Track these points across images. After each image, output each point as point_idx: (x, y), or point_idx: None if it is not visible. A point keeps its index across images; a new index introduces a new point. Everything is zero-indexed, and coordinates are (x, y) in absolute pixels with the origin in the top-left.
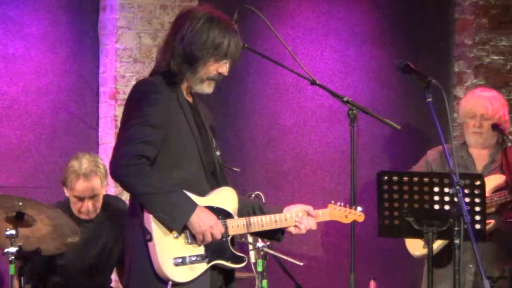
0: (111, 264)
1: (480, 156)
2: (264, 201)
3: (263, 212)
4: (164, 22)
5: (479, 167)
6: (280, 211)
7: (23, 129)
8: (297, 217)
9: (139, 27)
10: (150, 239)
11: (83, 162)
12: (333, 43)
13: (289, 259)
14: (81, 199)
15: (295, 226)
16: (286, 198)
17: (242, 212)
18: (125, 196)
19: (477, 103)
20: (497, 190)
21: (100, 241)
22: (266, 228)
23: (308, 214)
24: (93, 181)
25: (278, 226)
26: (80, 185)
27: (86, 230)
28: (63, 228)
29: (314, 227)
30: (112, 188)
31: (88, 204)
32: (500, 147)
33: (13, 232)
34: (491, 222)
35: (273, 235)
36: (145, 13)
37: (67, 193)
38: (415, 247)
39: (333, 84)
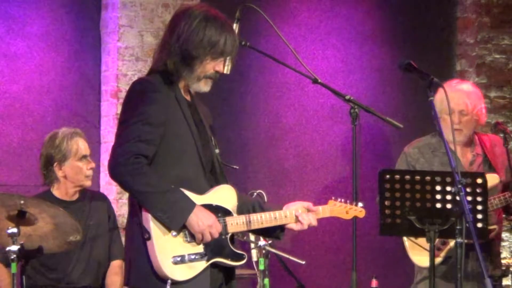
0: (104, 239)
1: (463, 153)
2: (266, 199)
3: (263, 210)
4: (166, 21)
5: (465, 163)
6: (280, 209)
7: (25, 128)
8: (297, 213)
9: (141, 26)
10: (149, 238)
11: (64, 130)
12: (335, 42)
13: (291, 258)
14: (85, 157)
15: (297, 222)
16: (288, 196)
17: (242, 210)
18: (126, 196)
19: (455, 98)
20: (490, 190)
21: (90, 218)
22: (265, 225)
23: (308, 210)
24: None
25: (278, 223)
26: (82, 143)
27: (75, 210)
28: (64, 227)
29: (314, 222)
30: (114, 186)
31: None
32: (475, 141)
33: (15, 230)
34: (495, 228)
35: (273, 233)
36: (147, 11)
37: (64, 170)
38: (419, 258)
39: (335, 82)
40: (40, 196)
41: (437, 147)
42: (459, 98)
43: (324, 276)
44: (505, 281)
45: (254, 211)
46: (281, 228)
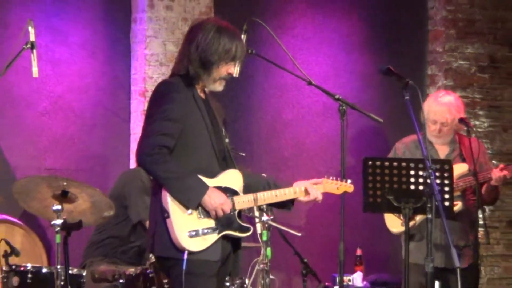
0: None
1: (441, 147)
2: None
3: (276, 186)
4: (185, 32)
5: (442, 156)
6: (290, 185)
7: (67, 122)
8: (306, 188)
9: (164, 36)
10: (168, 216)
11: None
12: (326, 50)
13: (289, 231)
14: None
15: (306, 194)
16: (287, 179)
17: (257, 187)
18: None
19: (438, 112)
20: (460, 177)
21: None
22: (268, 202)
23: (314, 185)
24: None
25: (288, 197)
26: None
27: None
28: (100, 204)
29: (320, 196)
30: None
31: None
32: (455, 139)
33: (59, 207)
34: (458, 204)
35: (285, 205)
36: (169, 24)
37: None
38: (393, 225)
39: (326, 84)
40: None
41: (426, 142)
42: (442, 112)
43: (317, 246)
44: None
45: (269, 187)
46: (292, 201)
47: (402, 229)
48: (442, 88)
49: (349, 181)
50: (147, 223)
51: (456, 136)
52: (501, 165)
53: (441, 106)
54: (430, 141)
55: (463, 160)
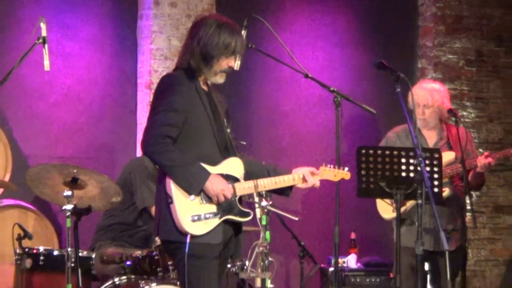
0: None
1: (430, 136)
2: None
3: (276, 174)
4: (189, 28)
5: (431, 144)
6: (289, 173)
7: (77, 112)
8: (304, 175)
9: (168, 32)
10: (172, 202)
11: None
12: (322, 45)
13: (287, 215)
14: None
15: (303, 182)
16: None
17: (258, 174)
18: None
19: (420, 95)
20: (448, 164)
21: None
22: (268, 188)
23: (312, 173)
24: None
25: (287, 184)
26: None
27: None
28: (108, 190)
29: (317, 184)
30: None
31: None
32: (443, 128)
33: (69, 193)
34: (446, 190)
35: (284, 192)
36: (173, 21)
37: None
38: (385, 212)
39: (322, 77)
40: None
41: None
42: (423, 94)
43: (313, 230)
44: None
45: (269, 175)
46: (290, 187)
47: (393, 215)
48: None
49: (346, 168)
50: (152, 209)
51: (444, 126)
52: (486, 153)
53: (423, 90)
54: (419, 129)
55: (450, 148)
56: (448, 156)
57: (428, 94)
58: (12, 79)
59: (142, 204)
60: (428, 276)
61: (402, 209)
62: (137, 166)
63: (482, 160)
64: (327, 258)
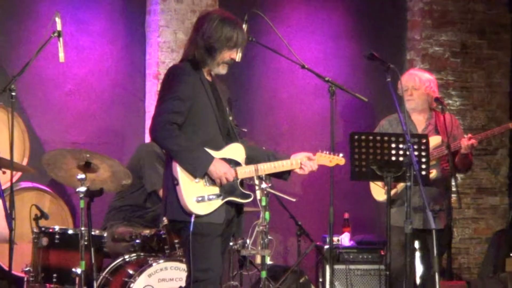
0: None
1: (419, 122)
2: None
3: (275, 159)
4: (194, 22)
5: (420, 130)
6: (288, 158)
7: (90, 100)
8: (301, 161)
9: (175, 26)
10: (178, 184)
11: None
12: (317, 38)
13: (285, 197)
14: None
15: (300, 168)
16: (283, 152)
17: (258, 159)
18: None
19: (408, 79)
20: (435, 147)
21: None
22: (267, 172)
23: (309, 159)
24: None
25: (285, 169)
26: None
27: None
28: (119, 173)
29: (315, 167)
30: None
31: None
32: (431, 115)
33: (83, 176)
34: (433, 171)
35: (282, 175)
36: (179, 15)
37: None
38: (378, 194)
39: (317, 68)
40: None
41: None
42: (410, 77)
43: (309, 210)
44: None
45: (269, 159)
46: (288, 172)
47: (385, 197)
48: None
49: (341, 154)
50: (160, 192)
51: (433, 113)
52: (469, 135)
53: (411, 75)
54: (409, 115)
55: (437, 133)
56: (435, 140)
57: (416, 77)
58: (29, 70)
59: (151, 187)
60: (418, 253)
61: (393, 191)
62: (146, 151)
63: (466, 142)
64: (322, 236)
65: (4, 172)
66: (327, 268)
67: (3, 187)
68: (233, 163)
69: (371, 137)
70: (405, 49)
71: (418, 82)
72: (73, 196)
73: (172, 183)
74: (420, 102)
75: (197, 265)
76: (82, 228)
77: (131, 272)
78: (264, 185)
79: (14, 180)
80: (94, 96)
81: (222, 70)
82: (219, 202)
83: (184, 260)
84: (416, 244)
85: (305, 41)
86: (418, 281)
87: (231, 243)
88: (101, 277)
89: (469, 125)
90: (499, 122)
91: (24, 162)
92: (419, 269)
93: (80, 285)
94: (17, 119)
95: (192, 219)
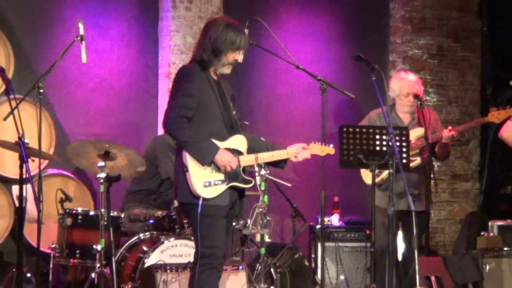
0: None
1: (405, 117)
2: None
3: (273, 149)
4: (201, 28)
5: (405, 123)
6: (284, 148)
7: (109, 97)
8: (296, 151)
9: (184, 31)
10: (187, 171)
11: None
12: (310, 41)
13: (282, 182)
14: None
15: (295, 157)
16: (280, 144)
17: (258, 149)
18: None
19: (411, 87)
20: (418, 138)
21: None
22: (266, 161)
23: (303, 149)
24: None
25: (282, 157)
26: None
27: None
28: (134, 162)
29: (308, 156)
30: None
31: None
32: (415, 111)
33: (102, 164)
34: (416, 159)
35: (279, 164)
36: (188, 21)
37: None
38: (368, 178)
39: (310, 68)
40: None
41: (388, 113)
42: (413, 86)
43: (303, 194)
44: (435, 198)
45: (267, 149)
46: (285, 161)
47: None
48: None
49: (331, 145)
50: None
51: (417, 108)
52: (450, 127)
53: (410, 82)
54: (396, 110)
55: (420, 126)
56: (417, 132)
57: (417, 85)
58: (55, 70)
59: (166, 174)
60: (401, 233)
61: (380, 178)
62: (161, 143)
63: (447, 133)
64: (315, 217)
65: (33, 161)
66: (319, 245)
67: (32, 174)
68: (236, 153)
69: (358, 130)
70: (388, 52)
71: (421, 91)
72: (94, 182)
73: (182, 170)
74: (415, 104)
75: (204, 242)
76: (102, 210)
77: (145, 248)
78: (263, 172)
79: (42, 167)
80: (113, 93)
81: (227, 70)
82: (223, 187)
83: (192, 238)
84: (400, 224)
85: (299, 44)
86: (400, 257)
87: (234, 223)
88: (119, 253)
89: (445, 119)
90: (471, 116)
91: (51, 152)
92: (401, 246)
93: (100, 260)
94: (44, 114)
95: (200, 202)
